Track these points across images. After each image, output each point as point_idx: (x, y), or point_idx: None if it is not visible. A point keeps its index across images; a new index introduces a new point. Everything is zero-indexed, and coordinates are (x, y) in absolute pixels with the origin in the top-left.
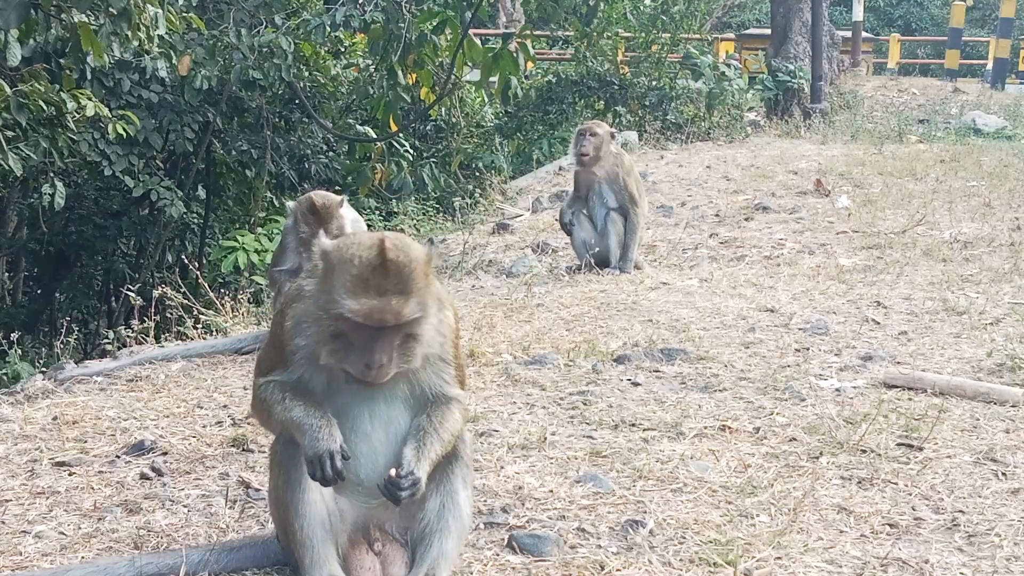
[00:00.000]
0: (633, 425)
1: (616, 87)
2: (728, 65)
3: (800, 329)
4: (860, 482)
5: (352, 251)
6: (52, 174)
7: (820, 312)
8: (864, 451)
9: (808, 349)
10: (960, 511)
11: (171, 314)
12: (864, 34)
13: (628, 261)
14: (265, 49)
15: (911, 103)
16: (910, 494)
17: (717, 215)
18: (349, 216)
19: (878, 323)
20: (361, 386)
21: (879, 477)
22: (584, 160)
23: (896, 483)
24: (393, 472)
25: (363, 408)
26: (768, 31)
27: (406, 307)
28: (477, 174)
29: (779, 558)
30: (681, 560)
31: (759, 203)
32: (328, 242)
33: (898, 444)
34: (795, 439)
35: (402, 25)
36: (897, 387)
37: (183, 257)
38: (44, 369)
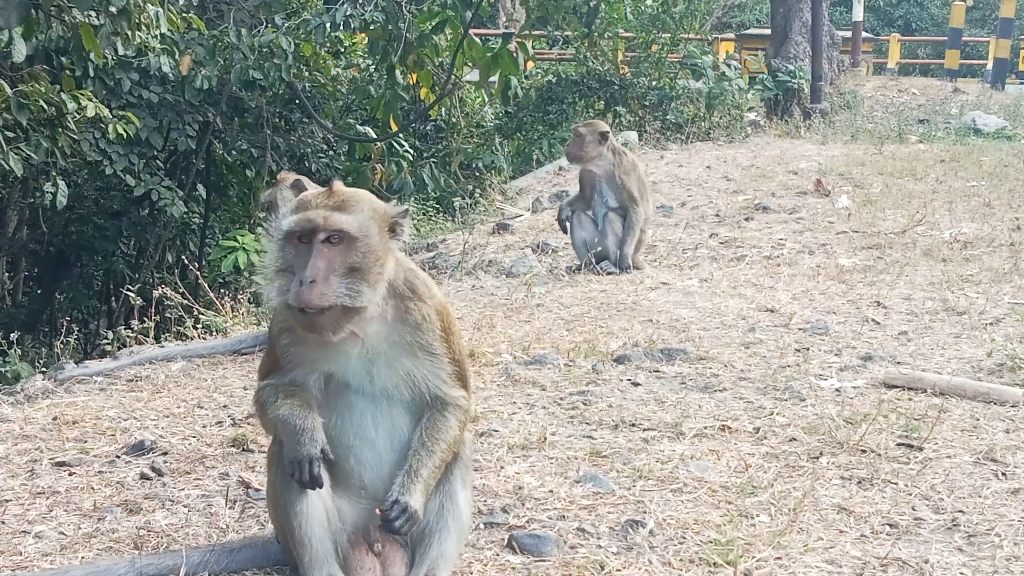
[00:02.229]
0: (633, 425)
1: (616, 87)
2: (728, 65)
3: (800, 329)
4: (860, 482)
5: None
6: (55, 173)
7: (820, 312)
8: (864, 451)
9: (808, 349)
10: (960, 511)
11: (171, 314)
12: (864, 34)
13: (623, 259)
14: (265, 49)
15: (911, 103)
16: (910, 494)
17: (717, 215)
18: None
19: (878, 323)
20: (347, 388)
21: (879, 477)
22: (568, 159)
23: (896, 483)
24: (378, 511)
25: (366, 412)
26: (768, 31)
27: (338, 214)
28: (477, 174)
29: (779, 558)
30: (681, 560)
31: (759, 203)
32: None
33: (898, 444)
34: (795, 439)
35: (402, 25)
36: (897, 387)
37: (183, 257)
38: (44, 369)
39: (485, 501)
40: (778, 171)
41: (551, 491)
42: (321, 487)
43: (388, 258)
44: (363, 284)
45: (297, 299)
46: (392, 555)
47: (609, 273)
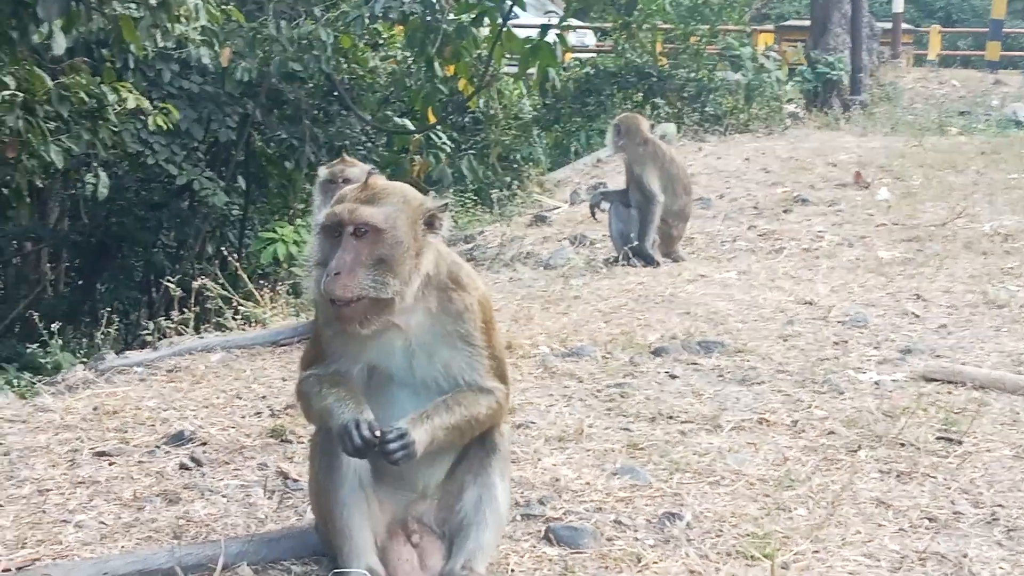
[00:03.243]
0: (670, 418)
1: (654, 79)
2: (767, 57)
3: (839, 322)
4: (899, 476)
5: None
6: (96, 164)
7: (859, 305)
8: (903, 445)
9: (847, 342)
10: (999, 505)
11: (211, 305)
12: (904, 25)
13: (641, 250)
14: (304, 41)
15: (952, 95)
16: (949, 488)
17: (755, 207)
18: None
19: (918, 316)
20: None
21: (918, 471)
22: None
23: (935, 477)
24: (376, 432)
25: (407, 405)
26: (807, 22)
27: (364, 207)
28: (515, 166)
29: (817, 551)
30: (718, 553)
31: (798, 195)
32: None
33: (937, 438)
34: (833, 432)
35: (440, 17)
36: (936, 380)
37: (223, 249)
38: (85, 359)
39: (522, 493)
40: (817, 163)
41: (588, 483)
42: (376, 447)
43: (425, 250)
44: (390, 276)
45: (324, 290)
46: (430, 546)
47: (646, 265)
